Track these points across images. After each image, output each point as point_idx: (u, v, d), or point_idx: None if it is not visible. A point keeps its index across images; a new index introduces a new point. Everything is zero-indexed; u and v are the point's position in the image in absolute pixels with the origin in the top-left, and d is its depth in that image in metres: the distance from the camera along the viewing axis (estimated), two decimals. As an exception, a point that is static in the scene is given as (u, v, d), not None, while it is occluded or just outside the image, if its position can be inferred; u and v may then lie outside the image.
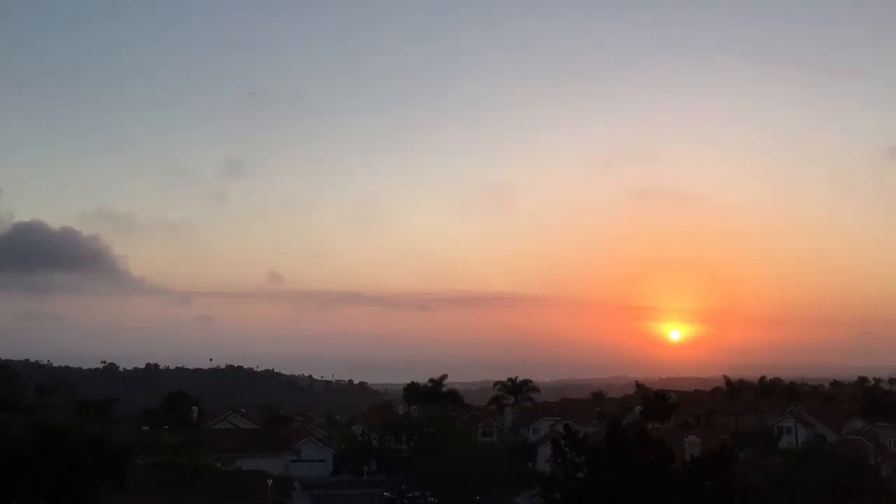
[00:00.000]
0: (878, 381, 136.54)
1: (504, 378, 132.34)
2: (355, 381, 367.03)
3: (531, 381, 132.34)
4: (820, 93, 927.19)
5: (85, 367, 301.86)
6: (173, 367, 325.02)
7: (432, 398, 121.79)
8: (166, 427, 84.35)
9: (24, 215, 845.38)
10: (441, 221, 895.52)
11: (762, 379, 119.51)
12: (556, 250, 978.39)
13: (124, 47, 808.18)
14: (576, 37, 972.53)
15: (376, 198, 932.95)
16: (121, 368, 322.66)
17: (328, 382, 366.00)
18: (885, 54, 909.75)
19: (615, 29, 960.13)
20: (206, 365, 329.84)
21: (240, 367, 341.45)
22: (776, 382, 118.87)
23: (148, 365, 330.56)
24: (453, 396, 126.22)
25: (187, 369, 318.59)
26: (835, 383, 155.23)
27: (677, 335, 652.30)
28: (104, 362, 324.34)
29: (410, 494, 63.76)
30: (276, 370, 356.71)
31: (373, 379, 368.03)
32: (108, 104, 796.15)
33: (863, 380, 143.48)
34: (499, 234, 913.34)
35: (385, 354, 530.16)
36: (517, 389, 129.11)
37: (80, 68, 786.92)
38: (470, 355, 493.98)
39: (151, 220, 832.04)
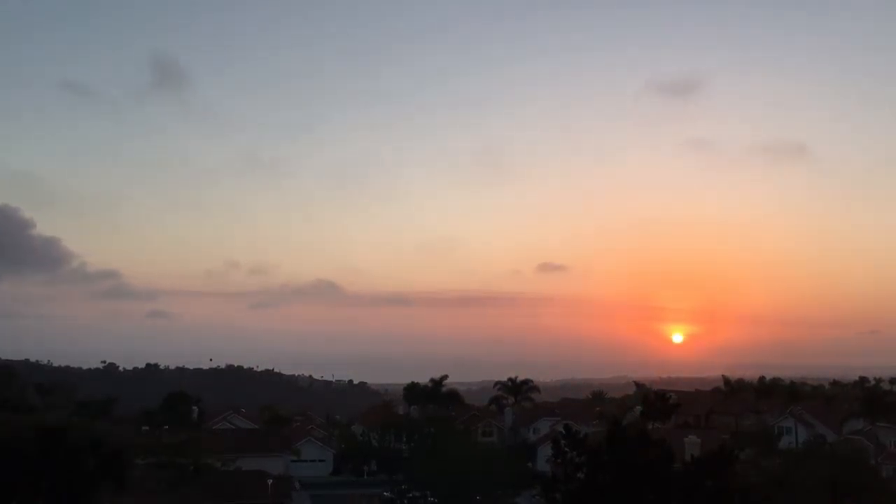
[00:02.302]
0: (878, 381, 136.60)
1: (504, 378, 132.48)
2: (355, 381, 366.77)
3: (531, 381, 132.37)
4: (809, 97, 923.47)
5: (85, 367, 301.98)
6: (173, 367, 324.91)
7: (432, 398, 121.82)
8: (166, 427, 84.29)
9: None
10: (440, 220, 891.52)
11: (762, 379, 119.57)
12: (556, 249, 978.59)
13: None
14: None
15: (371, 187, 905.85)
16: (121, 368, 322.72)
17: (328, 382, 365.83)
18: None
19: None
20: (206, 365, 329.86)
21: (240, 367, 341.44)
22: (776, 382, 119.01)
23: (148, 365, 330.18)
24: (453, 396, 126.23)
25: (187, 369, 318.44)
26: (835, 383, 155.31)
27: (678, 335, 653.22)
28: (104, 362, 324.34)
29: (410, 494, 63.82)
30: (276, 370, 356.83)
31: (373, 379, 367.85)
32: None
33: (863, 380, 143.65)
34: (498, 234, 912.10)
35: (385, 354, 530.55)
36: (517, 389, 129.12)
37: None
38: (470, 355, 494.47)
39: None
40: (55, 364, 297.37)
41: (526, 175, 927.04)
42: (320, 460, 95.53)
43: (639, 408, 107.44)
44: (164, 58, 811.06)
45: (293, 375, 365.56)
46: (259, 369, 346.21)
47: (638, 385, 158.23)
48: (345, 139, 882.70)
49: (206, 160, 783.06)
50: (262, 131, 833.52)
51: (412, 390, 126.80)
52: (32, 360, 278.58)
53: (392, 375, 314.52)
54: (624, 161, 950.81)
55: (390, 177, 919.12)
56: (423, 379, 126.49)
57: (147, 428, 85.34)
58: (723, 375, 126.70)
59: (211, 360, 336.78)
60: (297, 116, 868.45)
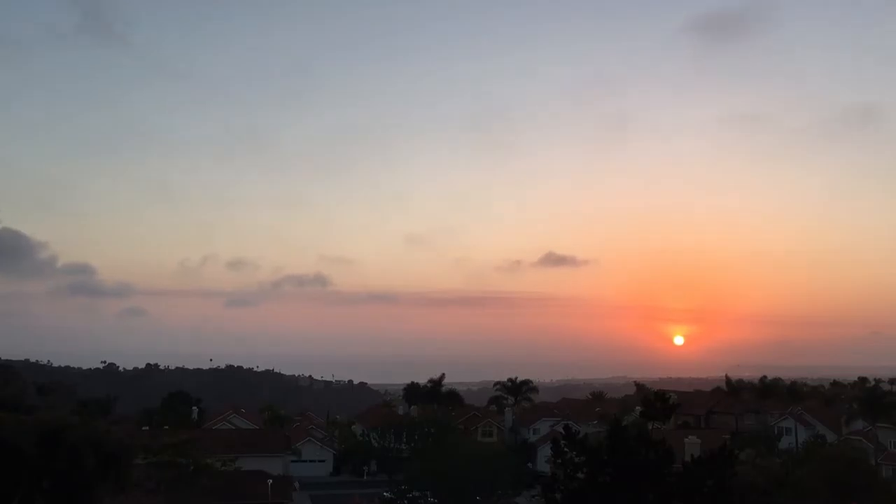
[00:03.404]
0: (878, 381, 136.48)
1: (504, 378, 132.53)
2: (355, 381, 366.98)
3: (531, 381, 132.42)
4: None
5: (85, 367, 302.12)
6: (173, 367, 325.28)
7: (432, 398, 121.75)
8: (166, 427, 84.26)
9: None
10: (440, 219, 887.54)
11: (762, 379, 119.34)
12: (559, 241, 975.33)
13: None
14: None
15: (368, 178, 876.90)
16: (121, 368, 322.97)
17: (328, 382, 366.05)
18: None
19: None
20: (206, 365, 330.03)
21: (240, 367, 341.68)
22: (776, 383, 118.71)
23: (148, 365, 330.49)
24: (453, 396, 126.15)
25: (187, 369, 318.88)
26: (835, 383, 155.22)
27: (678, 335, 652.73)
28: (104, 362, 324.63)
29: (410, 494, 63.78)
30: (276, 370, 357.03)
31: (373, 379, 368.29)
32: None
33: (863, 380, 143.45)
34: (498, 233, 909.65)
35: (385, 354, 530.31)
36: (517, 389, 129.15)
37: None
38: (470, 355, 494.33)
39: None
40: (55, 364, 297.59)
41: (528, 159, 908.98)
42: (320, 460, 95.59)
43: (639, 408, 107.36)
44: (148, 41, 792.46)
45: (293, 375, 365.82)
46: (259, 369, 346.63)
47: (638, 385, 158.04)
48: (335, 118, 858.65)
49: (186, 138, 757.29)
50: (250, 108, 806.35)
51: (412, 390, 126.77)
52: (32, 360, 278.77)
53: (392, 375, 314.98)
54: (634, 140, 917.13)
55: (387, 163, 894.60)
56: (423, 379, 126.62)
57: (147, 428, 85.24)
58: (725, 375, 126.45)
59: (211, 360, 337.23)
60: (288, 103, 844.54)
